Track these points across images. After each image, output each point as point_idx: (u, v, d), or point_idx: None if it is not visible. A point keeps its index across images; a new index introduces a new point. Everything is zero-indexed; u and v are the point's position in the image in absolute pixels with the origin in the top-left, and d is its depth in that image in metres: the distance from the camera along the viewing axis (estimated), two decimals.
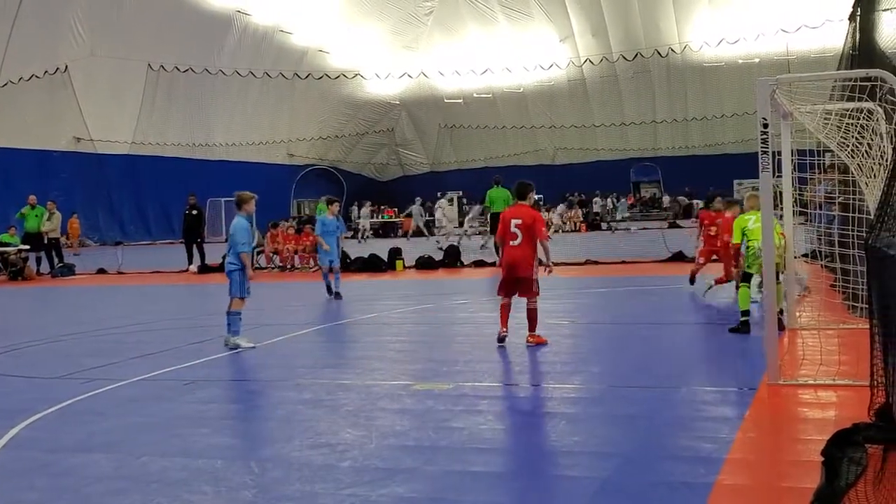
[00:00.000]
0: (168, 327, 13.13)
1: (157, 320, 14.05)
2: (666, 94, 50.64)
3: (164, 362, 9.69)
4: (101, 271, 24.76)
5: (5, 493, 5.32)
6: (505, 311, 10.02)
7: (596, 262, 20.87)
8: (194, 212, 24.68)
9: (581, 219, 44.15)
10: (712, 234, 14.07)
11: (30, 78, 34.71)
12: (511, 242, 9.87)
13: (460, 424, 6.56)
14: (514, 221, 9.88)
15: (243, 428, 6.86)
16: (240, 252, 10.66)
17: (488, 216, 23.30)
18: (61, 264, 24.50)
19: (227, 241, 11.31)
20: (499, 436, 6.25)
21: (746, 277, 10.28)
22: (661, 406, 6.93)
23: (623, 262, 20.62)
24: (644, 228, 37.29)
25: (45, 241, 24.42)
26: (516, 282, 10.00)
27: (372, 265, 21.97)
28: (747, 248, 10.19)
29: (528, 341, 9.95)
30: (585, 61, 48.94)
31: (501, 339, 9.91)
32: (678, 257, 20.45)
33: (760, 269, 9.58)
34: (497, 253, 21.44)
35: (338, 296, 15.25)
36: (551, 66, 48.44)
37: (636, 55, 46.29)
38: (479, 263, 21.96)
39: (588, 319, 12.43)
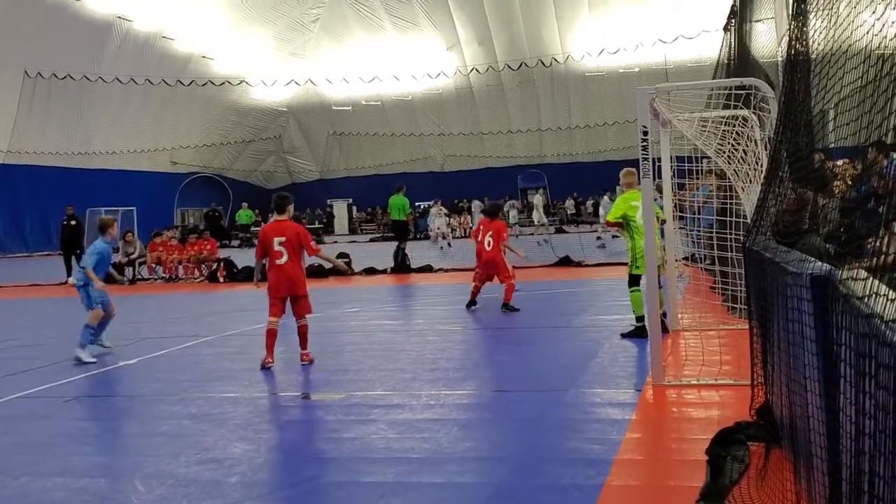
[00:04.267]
0: (46, 342, 12.57)
1: (35, 335, 13.44)
2: (550, 103, 51.63)
3: (42, 378, 9.27)
4: None
5: None
6: (272, 337, 9.56)
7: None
8: (73, 222, 23.79)
9: (470, 224, 44.54)
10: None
11: None
12: (277, 261, 9.49)
13: (351, 434, 6.50)
14: (276, 239, 9.50)
15: (127, 444, 6.62)
16: (84, 267, 11.06)
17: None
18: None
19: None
20: (391, 444, 6.21)
21: (635, 280, 10.12)
22: (550, 409, 7.03)
23: (513, 267, 20.83)
24: (531, 234, 37.90)
25: None
26: (294, 300, 9.70)
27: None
28: (633, 248, 10.06)
29: (302, 360, 9.71)
30: (472, 70, 49.52)
31: (265, 367, 9.38)
32: (565, 261, 20.91)
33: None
34: (398, 257, 21.52)
35: None
36: (438, 74, 48.86)
37: (521, 64, 47.15)
38: (371, 271, 21.90)
39: (479, 325, 12.52)
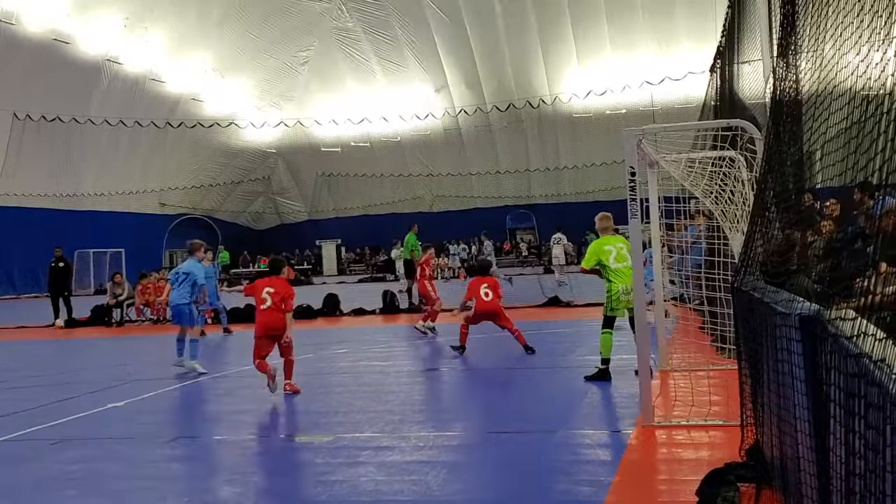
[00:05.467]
0: (33, 384, 12.45)
1: (21, 377, 13.32)
2: (538, 144, 51.99)
3: (28, 421, 9.17)
4: None
5: None
6: (263, 369, 10.19)
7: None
8: (61, 264, 23.69)
9: (459, 265, 44.57)
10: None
11: None
12: (262, 307, 10.35)
13: (340, 477, 6.44)
14: (266, 289, 10.38)
15: (113, 488, 6.53)
16: (201, 284, 12.82)
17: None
18: None
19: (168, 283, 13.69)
20: (380, 487, 6.16)
21: (609, 322, 9.87)
22: (539, 451, 7.00)
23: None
24: (521, 275, 37.96)
25: None
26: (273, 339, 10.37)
27: (247, 316, 21.46)
28: (609, 292, 9.79)
29: (285, 389, 10.24)
30: (460, 111, 49.93)
31: (270, 386, 10.14)
32: (554, 301, 20.91)
33: (625, 313, 9.81)
34: (410, 295, 21.47)
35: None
36: (427, 115, 49.23)
37: (509, 106, 47.55)
38: (359, 312, 21.84)
39: (467, 366, 12.48)
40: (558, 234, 33.06)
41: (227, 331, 18.61)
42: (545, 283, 26.36)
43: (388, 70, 51.22)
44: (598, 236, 10.25)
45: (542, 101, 47.87)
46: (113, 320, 22.62)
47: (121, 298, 22.95)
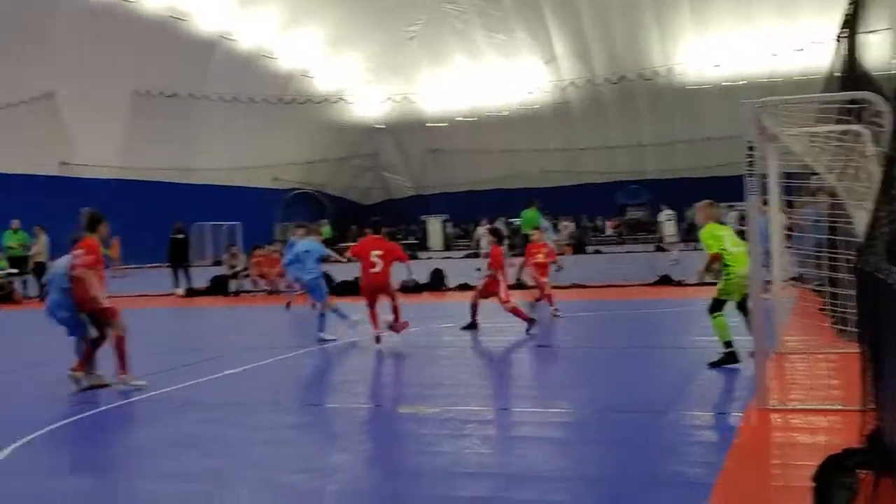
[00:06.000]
0: (155, 350, 13.01)
1: (144, 344, 13.91)
2: (651, 117, 50.89)
3: (155, 384, 9.59)
4: None
5: None
6: (374, 316, 12.10)
7: (582, 286, 20.83)
8: (180, 236, 24.58)
9: (566, 241, 44.23)
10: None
11: (17, 103, 34.56)
12: (371, 270, 11.89)
13: (445, 448, 6.51)
14: (373, 252, 11.96)
15: (231, 451, 6.78)
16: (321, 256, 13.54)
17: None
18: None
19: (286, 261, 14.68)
20: (484, 460, 6.20)
21: (719, 305, 9.46)
22: (648, 431, 6.90)
23: (610, 286, 20.60)
24: (630, 252, 37.40)
25: (32, 265, 24.21)
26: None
27: (356, 288, 21.83)
28: (728, 276, 9.40)
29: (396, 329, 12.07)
30: (569, 84, 49.22)
31: (378, 338, 11.88)
32: (665, 280, 20.48)
33: (741, 296, 9.48)
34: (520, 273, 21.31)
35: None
36: (536, 89, 48.69)
37: (621, 78, 46.58)
38: (465, 287, 21.87)
39: (574, 343, 12.40)
40: (668, 211, 32.18)
41: (313, 305, 18.08)
42: (657, 261, 25.89)
43: (496, 43, 50.92)
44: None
45: (656, 72, 46.69)
46: (229, 291, 23.38)
47: (236, 270, 23.70)
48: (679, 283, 20.27)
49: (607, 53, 48.67)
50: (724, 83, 45.67)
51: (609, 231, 51.77)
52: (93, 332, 9.57)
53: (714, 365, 9.35)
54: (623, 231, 51.38)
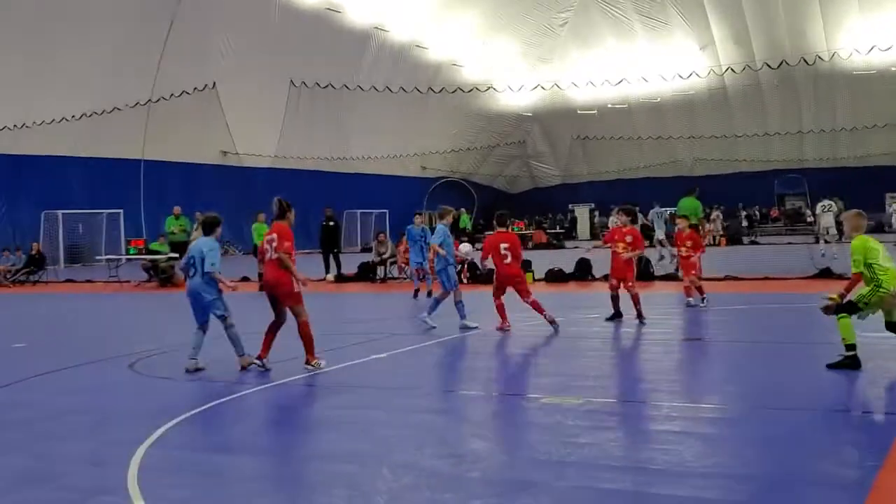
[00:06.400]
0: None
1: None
2: (812, 104, 48.54)
3: (301, 367, 9.92)
4: (245, 279, 25.66)
5: (153, 491, 5.54)
6: (502, 310, 12.63)
7: (736, 278, 20.10)
8: (331, 223, 25.28)
9: (720, 232, 42.78)
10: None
11: (181, 94, 36.45)
12: (504, 262, 12.49)
13: (590, 440, 6.43)
14: (503, 245, 12.49)
15: (376, 434, 6.94)
16: (443, 243, 13.16)
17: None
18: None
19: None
20: (630, 453, 6.08)
21: (850, 308, 8.86)
22: (802, 429, 6.60)
23: (766, 279, 19.79)
24: (789, 243, 35.85)
25: None
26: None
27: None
28: (878, 289, 8.73)
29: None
30: (727, 70, 47.37)
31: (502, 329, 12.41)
32: (825, 273, 19.48)
33: (878, 310, 8.87)
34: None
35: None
36: (690, 74, 47.16)
37: (781, 63, 44.47)
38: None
39: (727, 337, 11.99)
40: (827, 202, 30.36)
41: (429, 293, 17.88)
42: (816, 253, 24.71)
43: (649, 28, 49.79)
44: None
45: (819, 57, 44.37)
46: (377, 277, 23.92)
47: (384, 256, 24.20)
48: (841, 277, 19.24)
49: (767, 37, 46.72)
50: (892, 68, 42.98)
51: (768, 221, 49.83)
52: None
53: (832, 366, 8.80)
54: (781, 222, 49.32)
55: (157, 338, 9.79)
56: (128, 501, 5.35)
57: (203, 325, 10.04)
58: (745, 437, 6.54)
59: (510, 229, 15.26)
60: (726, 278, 20.16)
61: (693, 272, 14.98)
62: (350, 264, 25.22)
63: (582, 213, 55.01)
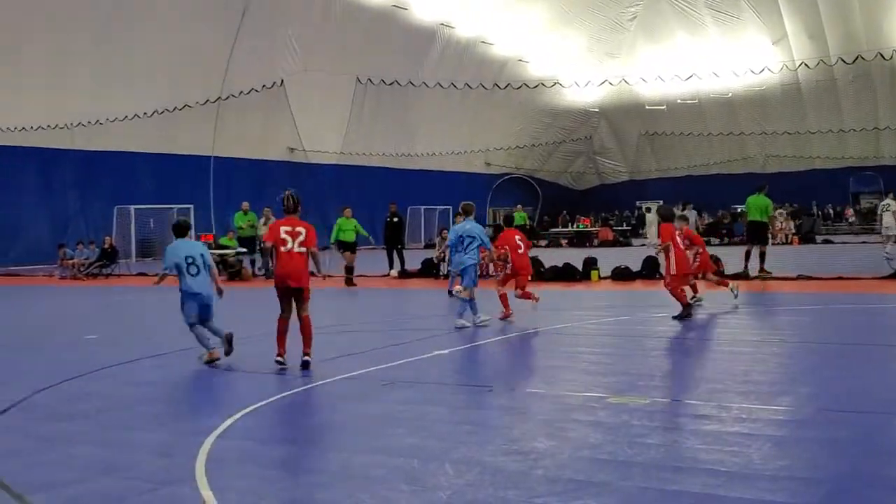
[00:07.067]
0: (369, 329, 13.55)
1: (359, 322, 14.53)
2: (890, 99, 47.12)
3: (365, 362, 9.98)
4: (311, 274, 25.90)
5: (220, 482, 5.62)
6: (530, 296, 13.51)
7: (809, 278, 19.59)
8: (395, 219, 25.37)
9: (793, 231, 41.79)
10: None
11: (249, 92, 37.00)
12: (518, 251, 13.56)
13: (656, 441, 6.33)
14: (516, 237, 13.67)
15: (438, 430, 6.93)
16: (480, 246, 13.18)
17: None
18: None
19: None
20: (697, 455, 5.95)
21: None
22: (873, 432, 6.42)
23: (840, 279, 19.24)
24: (863, 242, 34.85)
25: (260, 245, 25.86)
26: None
27: (566, 274, 21.74)
28: None
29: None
30: (800, 65, 46.29)
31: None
32: None
33: None
34: (747, 258, 20.39)
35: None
36: (763, 70, 46.13)
37: (857, 58, 43.25)
38: None
39: (799, 338, 11.69)
40: (887, 201, 29.16)
41: (450, 293, 17.63)
42: (892, 253, 23.97)
43: (720, 22, 48.90)
44: None
45: None
46: (441, 273, 23.93)
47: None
48: None
49: (842, 31, 45.49)
50: None
51: (842, 220, 48.59)
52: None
53: None
54: (856, 220, 48.00)
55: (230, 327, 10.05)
56: (196, 492, 5.43)
57: (206, 320, 10.43)
58: (815, 439, 6.37)
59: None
60: (799, 277, 19.70)
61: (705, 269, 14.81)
62: (413, 260, 25.29)
63: (650, 209, 54.29)
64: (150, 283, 11.35)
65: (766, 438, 6.32)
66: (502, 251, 13.67)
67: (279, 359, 9.63)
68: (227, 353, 10.26)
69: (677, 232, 13.25)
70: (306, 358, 9.63)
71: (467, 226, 13.38)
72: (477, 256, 13.21)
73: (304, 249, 9.77)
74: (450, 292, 16.64)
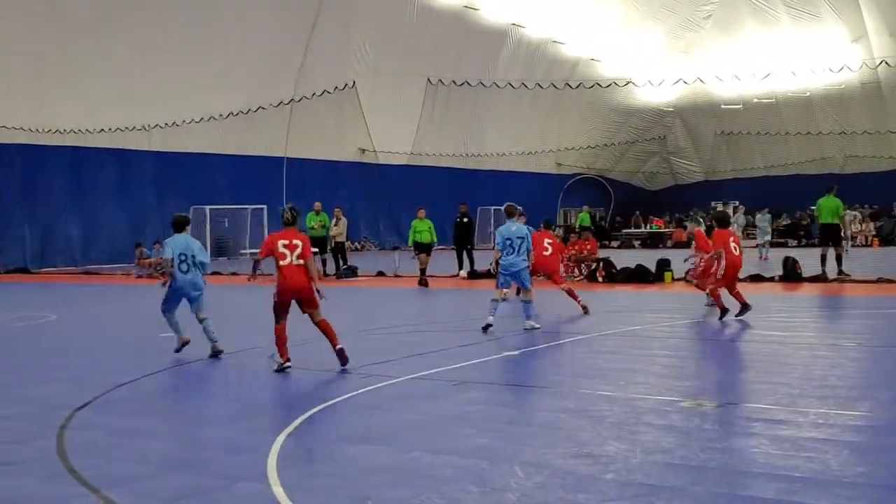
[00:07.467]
0: (439, 329, 13.59)
1: (429, 322, 14.60)
2: None
3: (434, 362, 10.03)
4: (381, 274, 26.17)
5: (291, 479, 5.72)
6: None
7: (890, 281, 19.01)
8: (465, 219, 25.40)
9: (873, 233, 40.56)
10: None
11: (322, 93, 37.48)
12: (544, 253, 14.28)
13: (730, 445, 6.22)
14: (546, 240, 14.55)
15: (507, 431, 6.92)
16: (530, 250, 13.05)
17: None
18: (346, 266, 26.11)
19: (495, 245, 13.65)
20: (772, 460, 5.83)
21: None
22: None
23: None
24: None
25: (332, 245, 26.17)
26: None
27: (638, 276, 21.48)
28: None
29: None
30: (881, 63, 44.87)
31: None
32: None
33: None
34: (823, 262, 19.98)
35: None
36: (842, 68, 44.85)
37: None
38: (756, 278, 20.72)
39: (879, 342, 11.35)
40: None
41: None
42: None
43: (797, 19, 47.66)
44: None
45: None
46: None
47: None
48: None
49: None
50: None
51: None
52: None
53: None
54: None
55: (294, 330, 10.09)
56: (268, 488, 5.53)
57: (172, 312, 11.15)
58: (894, 446, 6.18)
59: (554, 230, 16.68)
60: (879, 280, 19.15)
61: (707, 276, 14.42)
62: (483, 261, 25.29)
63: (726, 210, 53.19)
64: (152, 276, 12.11)
65: (844, 444, 6.17)
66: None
67: (287, 364, 9.73)
68: (210, 356, 10.80)
69: (730, 238, 13.11)
70: (340, 346, 9.74)
71: (513, 227, 13.11)
72: (527, 259, 13.01)
73: (301, 262, 9.85)
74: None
